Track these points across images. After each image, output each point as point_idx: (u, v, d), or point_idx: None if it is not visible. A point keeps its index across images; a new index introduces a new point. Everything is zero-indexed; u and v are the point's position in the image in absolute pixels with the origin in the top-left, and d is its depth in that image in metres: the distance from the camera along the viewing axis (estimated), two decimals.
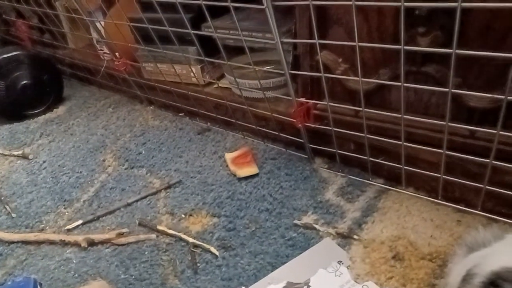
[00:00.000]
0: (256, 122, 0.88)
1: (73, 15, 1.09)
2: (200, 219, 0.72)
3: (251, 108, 0.85)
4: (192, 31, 0.76)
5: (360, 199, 0.71)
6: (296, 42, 0.73)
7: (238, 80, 0.84)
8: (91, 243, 0.69)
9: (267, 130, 0.87)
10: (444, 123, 0.56)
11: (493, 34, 0.52)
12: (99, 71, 1.20)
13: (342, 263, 0.58)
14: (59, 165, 0.93)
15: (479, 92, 0.55)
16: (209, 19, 0.71)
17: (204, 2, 0.67)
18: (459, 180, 0.62)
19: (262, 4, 0.59)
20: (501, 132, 0.51)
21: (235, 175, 0.81)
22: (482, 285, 0.32)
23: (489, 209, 0.63)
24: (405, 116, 0.59)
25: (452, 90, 0.51)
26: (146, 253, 0.66)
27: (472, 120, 0.59)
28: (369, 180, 0.74)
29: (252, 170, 0.81)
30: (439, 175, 0.63)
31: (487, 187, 0.59)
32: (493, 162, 0.55)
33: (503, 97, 0.48)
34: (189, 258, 0.64)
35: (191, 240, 0.67)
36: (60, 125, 1.12)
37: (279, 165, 0.83)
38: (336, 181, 0.76)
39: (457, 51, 0.47)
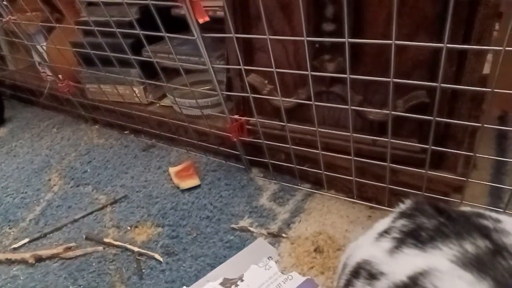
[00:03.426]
0: (197, 138, 0.95)
1: (12, 38, 1.10)
2: (145, 230, 0.77)
3: (192, 125, 0.92)
4: (133, 57, 0.82)
5: (289, 203, 0.80)
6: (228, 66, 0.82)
7: (178, 99, 0.92)
8: (39, 259, 0.72)
9: (208, 145, 0.95)
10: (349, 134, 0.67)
11: (382, 60, 0.64)
12: (42, 92, 1.21)
13: (272, 258, 0.67)
14: (2, 187, 0.94)
15: (377, 107, 0.67)
16: (147, 46, 0.78)
17: (142, 32, 0.74)
18: (368, 182, 0.73)
19: (193, 35, 0.67)
20: (392, 140, 0.63)
21: (178, 188, 0.88)
22: (349, 274, 0.40)
23: (393, 205, 0.74)
24: (319, 129, 0.69)
25: (351, 107, 0.62)
26: (94, 264, 0.70)
27: (373, 131, 0.71)
28: (298, 185, 0.84)
29: (194, 182, 0.88)
30: (352, 178, 0.74)
31: (390, 186, 0.71)
32: (390, 165, 0.67)
33: (388, 111, 0.59)
34: (135, 266, 0.69)
35: (136, 249, 0.72)
36: (2, 147, 1.12)
37: (219, 176, 0.90)
38: (270, 187, 0.85)
39: (350, 76, 0.58)
